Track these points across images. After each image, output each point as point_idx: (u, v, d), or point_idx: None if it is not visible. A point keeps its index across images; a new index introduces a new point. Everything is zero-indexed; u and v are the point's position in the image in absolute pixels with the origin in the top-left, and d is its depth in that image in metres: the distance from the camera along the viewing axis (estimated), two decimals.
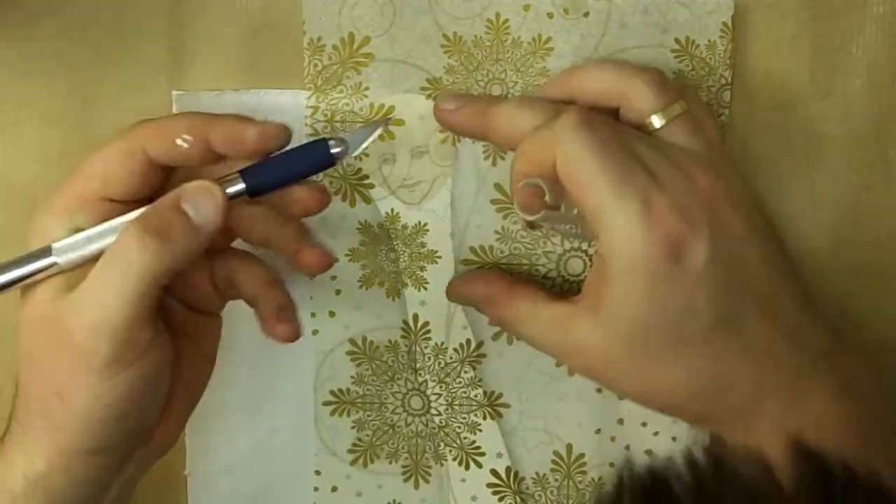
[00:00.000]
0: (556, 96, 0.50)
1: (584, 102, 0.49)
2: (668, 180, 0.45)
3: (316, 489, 0.56)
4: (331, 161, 0.46)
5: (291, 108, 0.52)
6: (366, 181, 0.53)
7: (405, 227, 0.54)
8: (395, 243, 0.54)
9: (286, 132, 0.46)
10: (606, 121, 0.46)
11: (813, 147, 0.54)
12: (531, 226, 0.52)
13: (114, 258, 0.43)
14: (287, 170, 0.46)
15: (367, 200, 0.53)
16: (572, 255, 0.54)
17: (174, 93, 0.52)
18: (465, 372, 0.55)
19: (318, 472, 0.56)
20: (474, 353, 0.55)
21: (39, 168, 0.52)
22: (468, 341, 0.55)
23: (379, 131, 0.48)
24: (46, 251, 0.44)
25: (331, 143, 0.46)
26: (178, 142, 0.45)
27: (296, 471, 0.56)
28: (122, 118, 0.52)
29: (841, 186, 0.54)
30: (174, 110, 0.52)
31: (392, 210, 0.54)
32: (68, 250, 0.44)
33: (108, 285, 0.42)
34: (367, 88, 0.52)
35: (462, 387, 0.55)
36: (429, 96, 0.53)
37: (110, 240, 0.43)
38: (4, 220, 0.53)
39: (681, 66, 0.52)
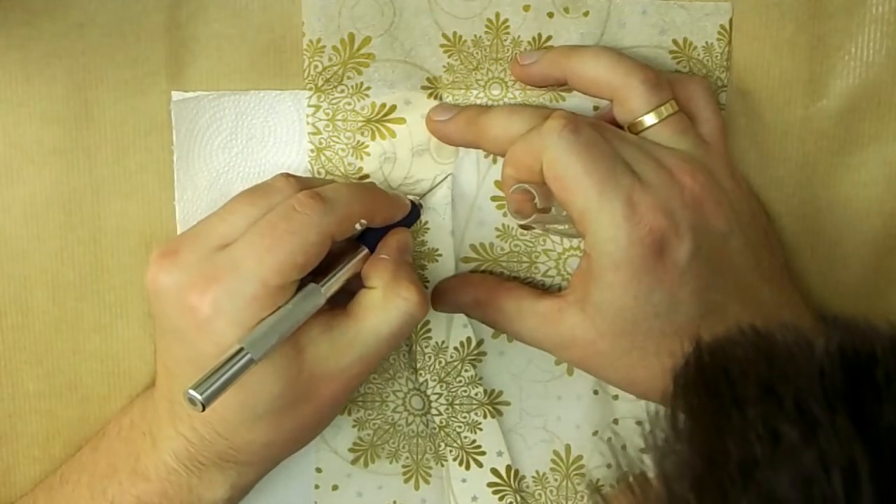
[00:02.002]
0: (548, 72, 0.52)
1: (575, 87, 0.52)
2: (652, 180, 0.47)
3: (317, 487, 0.57)
4: (418, 215, 0.55)
5: (291, 109, 0.53)
6: (367, 180, 0.54)
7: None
8: (421, 217, 0.54)
9: (414, 210, 0.54)
10: (591, 123, 0.49)
11: (812, 147, 0.54)
12: (525, 228, 0.53)
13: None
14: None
15: None
16: (572, 254, 0.55)
17: (172, 98, 0.52)
18: (466, 370, 0.56)
19: (318, 470, 0.57)
20: (474, 352, 0.56)
21: (39, 168, 0.53)
22: (468, 339, 0.56)
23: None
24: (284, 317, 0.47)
25: (420, 207, 0.55)
26: (357, 226, 0.50)
27: (297, 466, 0.57)
28: (122, 118, 0.53)
29: (839, 185, 0.55)
30: (172, 118, 0.53)
31: None
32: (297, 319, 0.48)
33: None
34: (368, 88, 0.53)
35: (462, 385, 0.56)
36: (430, 95, 0.53)
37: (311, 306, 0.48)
38: (4, 221, 0.53)
39: (678, 67, 0.53)
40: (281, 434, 0.49)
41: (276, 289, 0.47)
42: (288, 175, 0.51)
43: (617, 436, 0.56)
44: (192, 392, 0.43)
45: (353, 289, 0.51)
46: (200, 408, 0.43)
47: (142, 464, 0.51)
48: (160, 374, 0.52)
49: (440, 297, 0.55)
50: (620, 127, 0.51)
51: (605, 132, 0.49)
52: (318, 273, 0.49)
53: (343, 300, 0.50)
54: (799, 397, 0.29)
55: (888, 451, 0.27)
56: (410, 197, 0.54)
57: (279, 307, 0.47)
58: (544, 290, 0.55)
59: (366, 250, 0.51)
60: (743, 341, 0.32)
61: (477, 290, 0.54)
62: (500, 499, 0.56)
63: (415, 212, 0.54)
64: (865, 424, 0.27)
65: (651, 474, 0.30)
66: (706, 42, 0.53)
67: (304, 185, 0.50)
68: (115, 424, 0.54)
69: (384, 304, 0.49)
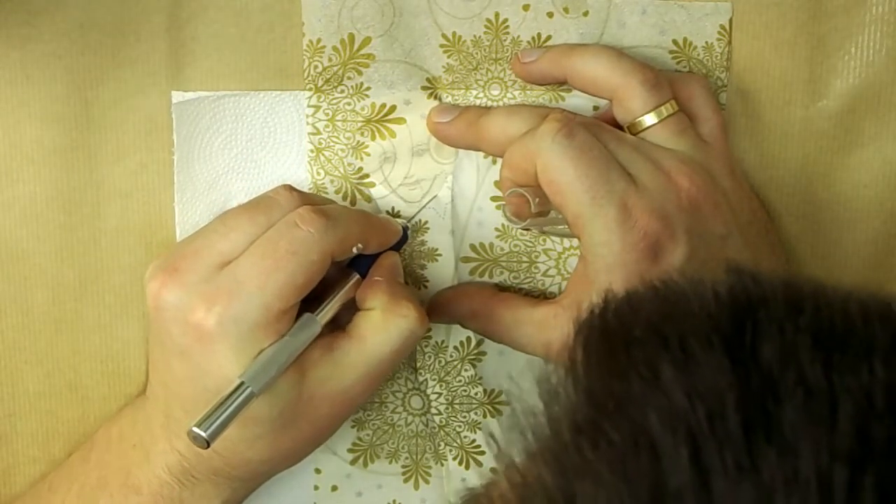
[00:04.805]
0: (548, 70, 0.53)
1: (574, 85, 0.53)
2: (648, 183, 0.48)
3: (316, 488, 0.58)
4: (406, 238, 0.55)
5: (291, 109, 0.53)
6: (366, 180, 0.55)
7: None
8: (409, 240, 0.55)
9: (403, 234, 0.55)
10: (588, 125, 0.49)
11: (812, 147, 0.55)
12: (523, 228, 0.54)
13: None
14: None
15: (368, 199, 0.55)
16: (572, 254, 0.55)
17: (173, 100, 0.53)
18: (466, 370, 0.56)
19: (318, 471, 0.58)
20: (474, 351, 0.56)
21: (39, 168, 0.53)
22: (468, 339, 0.56)
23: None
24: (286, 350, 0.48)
25: (408, 231, 0.55)
26: (354, 249, 0.51)
27: (296, 468, 0.57)
28: (122, 119, 0.53)
29: (839, 185, 0.55)
30: (173, 118, 0.53)
31: (393, 208, 0.55)
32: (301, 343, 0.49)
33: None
34: (368, 88, 0.53)
35: (462, 385, 0.56)
36: (429, 95, 0.54)
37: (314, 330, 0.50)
38: (4, 221, 0.54)
39: (678, 67, 0.54)
40: (279, 452, 0.50)
41: (278, 313, 0.48)
42: (291, 188, 0.51)
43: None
44: (196, 430, 0.44)
45: (347, 311, 0.52)
46: (205, 445, 0.45)
47: (133, 477, 0.51)
48: (155, 387, 0.52)
49: (436, 309, 0.55)
50: (620, 127, 0.51)
51: (602, 134, 0.49)
52: (312, 301, 0.50)
53: (342, 322, 0.51)
54: (683, 338, 0.30)
55: (756, 383, 0.28)
56: (399, 221, 0.55)
57: (279, 338, 0.48)
58: (542, 295, 0.56)
59: (357, 276, 0.52)
60: (647, 292, 0.33)
61: (472, 301, 0.54)
62: None
63: (403, 236, 0.54)
64: (741, 360, 0.29)
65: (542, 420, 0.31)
66: (706, 42, 0.54)
67: (305, 199, 0.51)
68: (105, 434, 0.55)
69: (384, 323, 0.50)
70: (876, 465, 0.26)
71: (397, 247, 0.54)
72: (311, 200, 0.51)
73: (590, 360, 0.32)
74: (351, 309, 0.52)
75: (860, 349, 0.29)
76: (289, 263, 0.47)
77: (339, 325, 0.51)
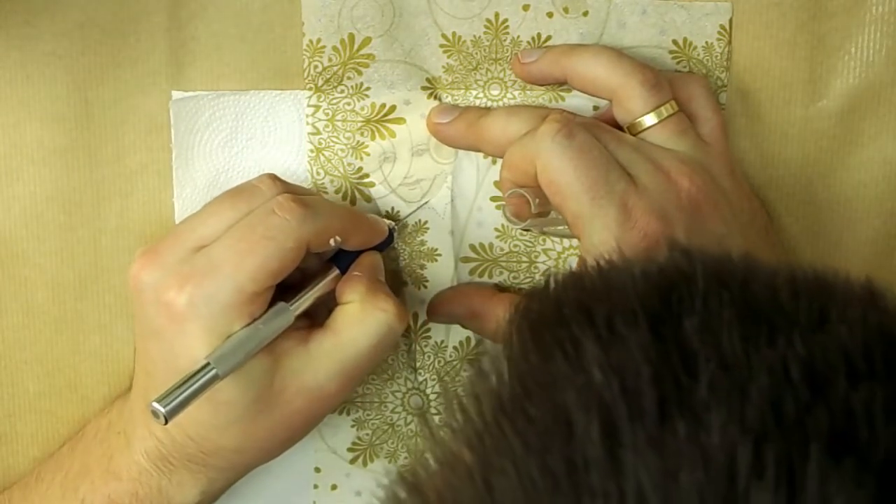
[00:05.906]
0: (548, 70, 0.53)
1: (574, 86, 0.53)
2: (648, 182, 0.48)
3: (316, 486, 0.58)
4: (392, 240, 0.55)
5: (291, 109, 0.53)
6: (366, 180, 0.55)
7: (405, 225, 0.55)
8: (394, 242, 0.55)
9: (389, 235, 0.55)
10: (588, 125, 0.50)
11: (812, 147, 0.55)
12: (523, 229, 0.54)
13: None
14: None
15: (368, 199, 0.55)
16: (572, 254, 0.55)
17: (172, 97, 0.53)
18: (465, 370, 0.56)
19: (317, 470, 0.58)
20: (474, 351, 0.56)
21: (39, 168, 0.53)
22: (468, 339, 0.56)
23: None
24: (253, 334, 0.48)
25: (395, 232, 0.55)
26: (332, 242, 0.50)
27: (296, 466, 0.57)
28: (122, 118, 0.53)
29: (839, 185, 0.55)
30: (171, 116, 0.53)
31: (392, 208, 0.55)
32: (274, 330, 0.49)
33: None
34: (368, 88, 0.53)
35: (462, 385, 0.56)
36: (429, 95, 0.54)
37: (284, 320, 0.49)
38: (4, 221, 0.54)
39: (678, 67, 0.54)
40: (251, 442, 0.50)
41: (251, 295, 0.48)
42: (274, 177, 0.51)
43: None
44: (155, 405, 0.44)
45: (327, 308, 0.52)
46: (163, 421, 0.44)
47: (115, 463, 0.52)
48: (138, 374, 0.53)
49: (435, 308, 0.56)
50: (620, 127, 0.52)
51: (601, 134, 0.49)
52: (288, 291, 0.50)
53: (321, 320, 0.51)
54: (609, 315, 0.30)
55: (675, 358, 0.28)
56: (387, 222, 0.55)
57: (249, 322, 0.48)
58: None
59: (337, 271, 0.52)
60: (585, 273, 0.34)
61: (472, 301, 0.55)
62: None
63: (389, 238, 0.54)
64: (664, 336, 0.29)
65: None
66: (706, 42, 0.54)
67: (288, 188, 0.51)
68: (94, 425, 0.55)
69: (363, 316, 0.50)
70: (784, 438, 0.26)
71: (381, 247, 0.54)
72: (293, 190, 0.51)
73: (522, 340, 0.32)
74: (332, 308, 0.52)
75: (783, 324, 0.29)
76: (264, 248, 0.48)
77: (318, 324, 0.51)
